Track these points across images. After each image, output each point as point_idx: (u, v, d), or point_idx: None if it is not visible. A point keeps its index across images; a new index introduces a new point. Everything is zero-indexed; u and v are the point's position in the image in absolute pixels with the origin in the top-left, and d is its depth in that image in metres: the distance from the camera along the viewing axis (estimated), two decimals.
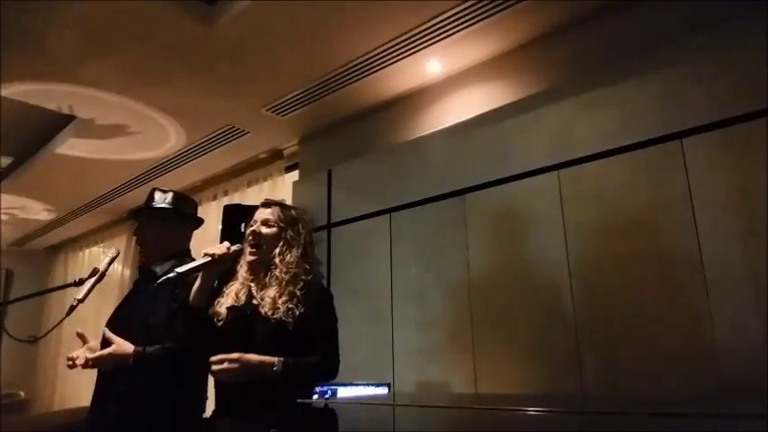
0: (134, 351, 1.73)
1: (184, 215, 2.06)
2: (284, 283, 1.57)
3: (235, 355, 1.45)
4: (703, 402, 1.80)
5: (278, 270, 1.59)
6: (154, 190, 2.04)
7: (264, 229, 1.62)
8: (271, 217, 1.64)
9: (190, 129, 3.93)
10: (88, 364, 1.77)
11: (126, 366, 1.72)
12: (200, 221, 2.14)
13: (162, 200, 2.01)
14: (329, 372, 1.60)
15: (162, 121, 3.79)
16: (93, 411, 1.87)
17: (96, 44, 2.86)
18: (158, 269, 1.94)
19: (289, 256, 1.59)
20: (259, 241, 1.61)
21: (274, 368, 1.46)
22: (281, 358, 1.47)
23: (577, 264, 2.28)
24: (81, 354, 1.81)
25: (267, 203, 1.70)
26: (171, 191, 2.06)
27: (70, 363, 1.80)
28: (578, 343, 2.20)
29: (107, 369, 1.78)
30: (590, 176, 2.32)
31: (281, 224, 1.63)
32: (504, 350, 2.44)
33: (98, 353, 1.75)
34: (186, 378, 1.81)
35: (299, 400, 1.51)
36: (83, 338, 1.89)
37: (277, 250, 1.60)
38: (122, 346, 1.75)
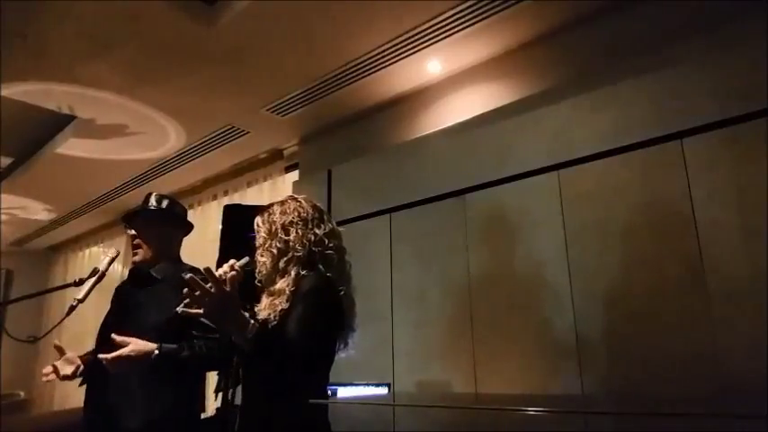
0: (159, 346, 1.68)
1: (179, 219, 2.10)
2: (267, 282, 1.53)
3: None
4: (703, 402, 1.80)
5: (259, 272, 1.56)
6: (150, 194, 2.06)
7: (256, 239, 1.61)
8: (255, 226, 1.62)
9: (190, 129, 3.93)
10: (74, 373, 1.78)
11: (145, 365, 1.67)
12: (191, 227, 2.17)
13: (159, 203, 2.03)
14: (292, 353, 1.35)
15: (162, 121, 3.79)
16: (88, 416, 1.88)
17: (96, 44, 2.85)
18: (155, 272, 1.94)
19: (265, 255, 1.55)
20: (254, 249, 1.59)
21: (247, 334, 1.30)
22: (256, 324, 1.32)
23: (577, 264, 2.28)
24: (59, 364, 1.81)
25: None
26: (166, 196, 2.09)
27: (46, 377, 1.78)
28: (578, 343, 2.20)
29: (121, 371, 1.69)
30: (590, 176, 2.32)
31: (261, 226, 1.60)
32: (504, 350, 2.44)
33: (115, 354, 1.64)
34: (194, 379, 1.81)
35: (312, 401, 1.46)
36: (60, 351, 1.87)
37: (258, 253, 1.58)
38: (139, 344, 1.68)
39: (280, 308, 1.44)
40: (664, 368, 1.99)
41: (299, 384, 1.44)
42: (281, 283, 1.49)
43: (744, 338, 1.84)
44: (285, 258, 1.51)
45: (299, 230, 1.54)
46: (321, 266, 1.52)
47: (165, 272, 1.94)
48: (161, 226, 2.01)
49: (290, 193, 3.58)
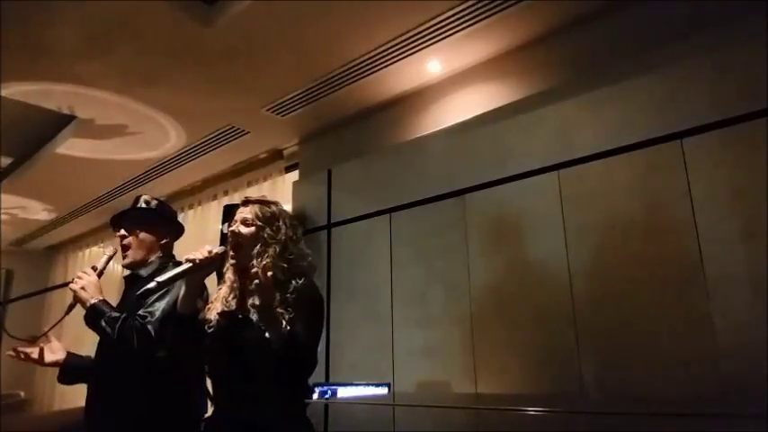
0: (97, 301, 1.76)
1: (168, 218, 2.08)
2: (270, 286, 1.48)
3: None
4: (703, 402, 1.80)
5: (258, 271, 1.49)
6: (138, 196, 2.06)
7: (243, 229, 1.56)
8: (249, 216, 1.58)
9: (190, 129, 3.93)
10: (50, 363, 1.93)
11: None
12: (181, 228, 2.14)
13: (147, 204, 2.02)
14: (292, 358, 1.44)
15: (162, 121, 3.79)
16: (88, 416, 1.87)
17: (96, 44, 2.85)
18: (144, 272, 1.93)
19: (266, 255, 1.53)
20: (238, 241, 1.56)
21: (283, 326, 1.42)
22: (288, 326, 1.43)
23: (577, 264, 2.28)
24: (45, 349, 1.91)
25: (246, 202, 1.64)
26: (155, 198, 2.08)
27: (14, 354, 1.87)
28: (578, 343, 2.20)
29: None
30: (590, 176, 2.32)
31: (259, 222, 1.57)
32: (504, 350, 2.44)
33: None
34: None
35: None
36: (47, 339, 1.96)
37: (255, 250, 1.54)
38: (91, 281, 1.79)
39: (288, 316, 1.46)
40: (664, 368, 1.99)
41: (300, 387, 1.52)
42: (279, 290, 1.49)
43: (744, 338, 1.84)
44: (289, 272, 1.54)
45: (295, 233, 1.61)
46: (309, 274, 1.58)
47: (150, 272, 1.92)
48: (151, 226, 1.99)
49: (289, 195, 3.62)
